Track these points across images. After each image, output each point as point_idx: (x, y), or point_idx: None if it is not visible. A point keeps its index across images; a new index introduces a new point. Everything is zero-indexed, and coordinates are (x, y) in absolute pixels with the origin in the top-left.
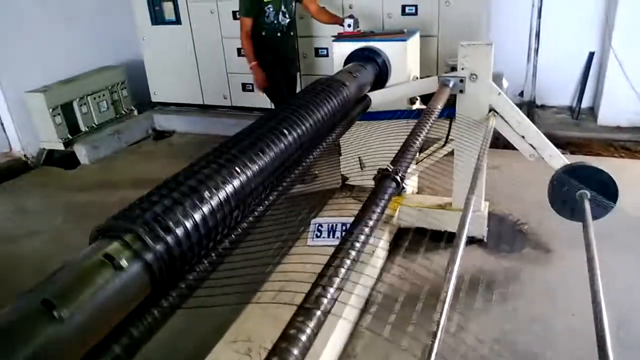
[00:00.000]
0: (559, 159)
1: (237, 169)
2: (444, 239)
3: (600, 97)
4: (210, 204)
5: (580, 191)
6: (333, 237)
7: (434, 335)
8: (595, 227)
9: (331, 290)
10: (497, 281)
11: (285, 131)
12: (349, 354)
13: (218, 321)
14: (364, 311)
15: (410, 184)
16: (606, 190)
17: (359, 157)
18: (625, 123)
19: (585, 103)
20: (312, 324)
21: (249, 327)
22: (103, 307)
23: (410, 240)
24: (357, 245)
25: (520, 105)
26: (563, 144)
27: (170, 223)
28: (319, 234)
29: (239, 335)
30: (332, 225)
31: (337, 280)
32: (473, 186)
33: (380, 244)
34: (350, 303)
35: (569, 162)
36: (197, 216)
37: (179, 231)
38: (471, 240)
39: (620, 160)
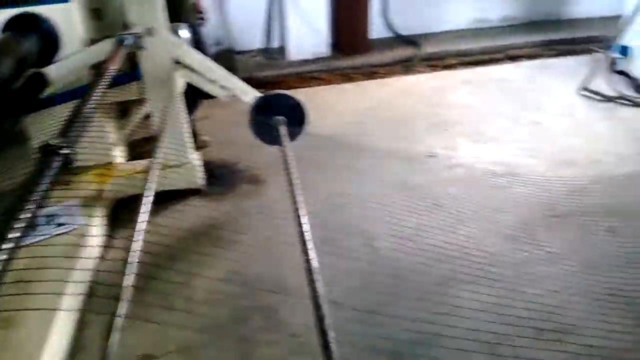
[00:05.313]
0: (250, 93)
1: None
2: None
3: (287, 36)
4: None
5: (275, 117)
6: None
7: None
8: (294, 148)
9: None
10: (222, 224)
11: None
12: (81, 346)
13: None
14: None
15: (120, 154)
16: (297, 114)
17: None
18: (310, 56)
19: (278, 43)
20: None
21: None
22: None
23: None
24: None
25: (220, 55)
26: (263, 84)
27: None
28: None
29: None
30: None
31: None
32: (158, 143)
33: (95, 223)
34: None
35: (260, 95)
36: None
37: None
38: (191, 193)
39: (311, 88)
